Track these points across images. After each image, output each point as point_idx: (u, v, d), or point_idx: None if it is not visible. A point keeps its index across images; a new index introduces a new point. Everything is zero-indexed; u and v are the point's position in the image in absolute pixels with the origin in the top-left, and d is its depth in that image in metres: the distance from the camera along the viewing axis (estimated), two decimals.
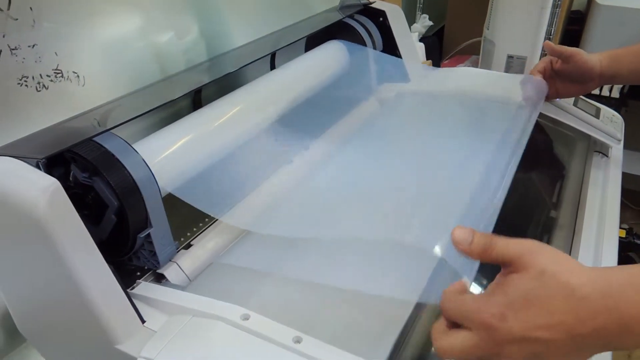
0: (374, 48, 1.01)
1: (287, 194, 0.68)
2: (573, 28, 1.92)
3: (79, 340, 0.52)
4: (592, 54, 0.80)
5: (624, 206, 2.15)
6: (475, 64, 1.80)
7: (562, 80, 0.83)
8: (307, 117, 0.90)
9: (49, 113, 0.56)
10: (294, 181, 0.74)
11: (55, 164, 0.54)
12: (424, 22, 1.63)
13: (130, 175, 0.52)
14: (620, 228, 1.82)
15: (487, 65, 1.68)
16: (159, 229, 0.56)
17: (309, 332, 0.45)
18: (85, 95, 0.61)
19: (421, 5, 1.77)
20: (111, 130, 0.57)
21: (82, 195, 0.54)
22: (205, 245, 0.61)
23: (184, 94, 0.72)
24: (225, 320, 0.47)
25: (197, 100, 0.80)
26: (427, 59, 1.60)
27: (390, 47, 1.07)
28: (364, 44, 0.99)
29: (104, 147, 0.52)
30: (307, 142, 0.84)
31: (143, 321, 0.50)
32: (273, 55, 0.96)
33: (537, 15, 1.52)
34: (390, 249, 0.54)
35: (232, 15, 0.88)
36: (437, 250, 0.46)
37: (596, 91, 1.83)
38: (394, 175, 0.69)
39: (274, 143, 0.80)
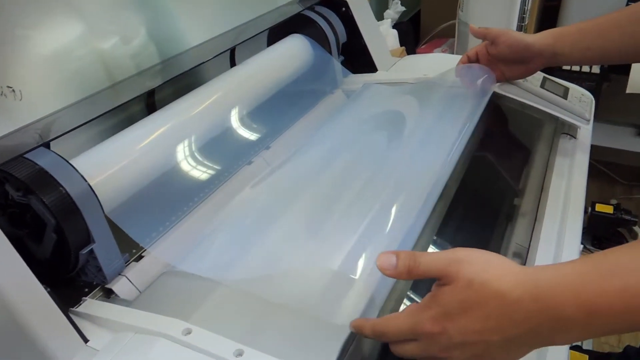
0: (336, 40, 0.99)
1: (240, 199, 0.66)
2: (551, 4, 1.90)
3: None
4: (532, 34, 0.78)
5: (612, 181, 2.16)
6: (451, 48, 1.77)
7: (503, 63, 0.81)
8: (270, 114, 0.88)
9: None
10: (249, 183, 0.72)
11: None
12: (396, 8, 1.60)
13: (66, 192, 0.51)
14: (608, 204, 1.81)
15: (463, 48, 1.65)
16: (103, 244, 0.54)
17: (253, 343, 0.44)
18: (24, 109, 0.59)
19: None
20: (52, 142, 0.55)
21: (20, 213, 0.53)
22: (161, 249, 0.59)
23: (133, 99, 0.71)
24: (167, 336, 0.46)
25: (150, 104, 0.78)
26: (401, 45, 1.58)
27: (354, 37, 1.05)
28: (325, 36, 0.97)
29: (38, 165, 0.51)
30: (268, 141, 0.83)
31: (86, 340, 0.49)
32: (232, 53, 0.94)
33: None
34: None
35: (186, 14, 0.85)
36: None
37: (576, 68, 1.82)
38: (348, 169, 0.68)
39: (231, 144, 0.78)
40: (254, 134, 0.83)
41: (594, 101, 0.96)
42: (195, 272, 0.53)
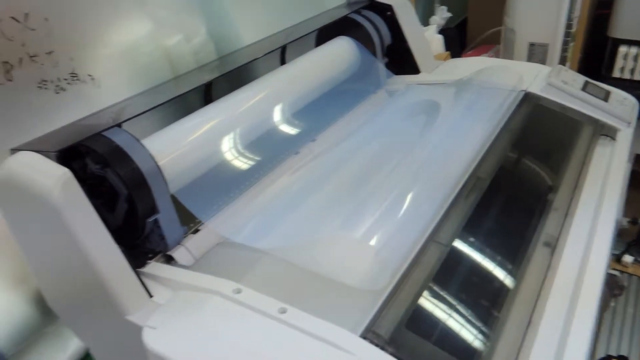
0: (381, 42, 1.04)
1: (285, 182, 0.72)
2: (602, 12, 1.88)
3: (96, 313, 0.58)
4: None
5: None
6: (497, 55, 1.79)
7: None
8: (316, 110, 0.94)
9: (67, 113, 0.62)
10: (296, 170, 0.78)
11: (74, 157, 0.60)
12: (442, 14, 1.64)
13: (138, 167, 0.58)
14: None
15: (509, 55, 1.67)
16: (166, 215, 0.61)
17: (295, 303, 0.49)
18: (101, 95, 0.67)
19: None
20: (123, 124, 0.62)
21: (98, 185, 0.60)
22: (211, 229, 0.66)
23: (193, 89, 0.78)
24: (220, 294, 0.52)
25: (208, 96, 0.85)
26: (447, 50, 1.61)
27: (399, 40, 1.09)
28: (370, 38, 1.03)
29: (114, 142, 0.58)
30: (314, 134, 0.88)
31: (151, 296, 0.55)
32: (283, 52, 1.01)
33: (557, 0, 1.51)
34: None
35: (242, 16, 0.93)
36: None
37: (627, 75, 1.79)
38: (385, 156, 0.73)
39: (280, 135, 0.84)
40: (302, 127, 0.89)
41: (637, 105, 0.97)
42: (246, 243, 0.59)
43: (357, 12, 1.05)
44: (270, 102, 0.84)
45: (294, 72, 0.92)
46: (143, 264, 0.60)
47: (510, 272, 0.61)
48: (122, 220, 0.61)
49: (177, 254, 0.62)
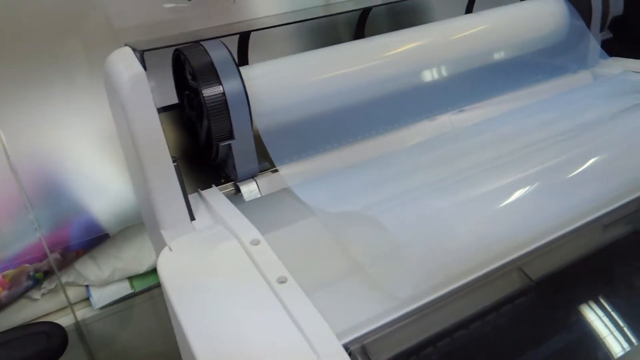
0: (604, 11, 0.81)
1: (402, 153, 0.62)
2: None
3: (152, 223, 0.59)
4: None
5: None
6: None
7: None
8: (483, 75, 0.78)
9: None
10: (420, 136, 0.66)
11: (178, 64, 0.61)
12: None
13: (222, 88, 0.55)
14: None
15: None
16: (241, 145, 0.58)
17: (301, 274, 0.42)
18: (236, 11, 0.66)
19: None
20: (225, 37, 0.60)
21: (193, 96, 0.60)
22: (289, 172, 0.61)
23: (341, 27, 0.71)
24: (240, 240, 0.47)
25: (359, 31, 0.77)
26: None
27: (637, 12, 0.83)
28: (588, 3, 0.80)
29: (209, 57, 0.56)
30: (465, 103, 0.74)
31: (193, 218, 0.54)
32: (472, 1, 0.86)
33: None
34: None
35: None
36: None
37: None
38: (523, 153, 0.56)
39: (419, 94, 0.72)
40: (453, 91, 0.75)
41: None
42: (302, 198, 0.53)
43: None
44: (428, 52, 0.72)
45: (477, 25, 0.77)
46: (209, 186, 0.59)
47: None
48: (205, 137, 0.59)
49: (245, 187, 0.59)
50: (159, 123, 0.52)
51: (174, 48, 0.59)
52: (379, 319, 0.40)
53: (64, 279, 0.76)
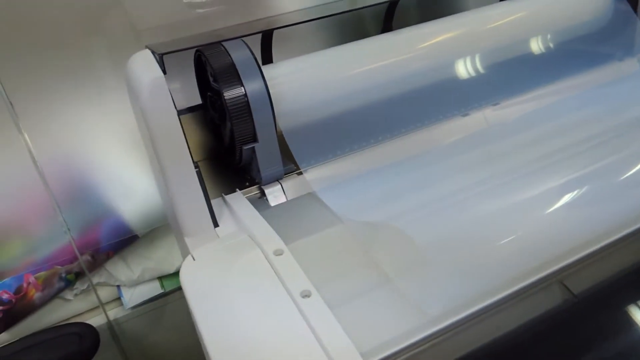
0: None
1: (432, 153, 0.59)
2: None
3: (177, 228, 0.58)
4: None
5: None
6: None
7: None
8: (519, 67, 0.74)
9: None
10: (452, 135, 0.63)
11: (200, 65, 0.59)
12: None
13: (244, 90, 0.53)
14: None
15: None
16: (265, 147, 0.56)
17: (325, 289, 0.40)
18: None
19: None
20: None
21: (215, 97, 0.58)
22: (315, 175, 0.59)
23: (369, 20, 0.68)
24: (263, 250, 0.45)
25: (387, 23, 0.74)
26: None
27: None
28: None
29: (230, 57, 0.54)
30: (500, 97, 0.70)
31: (216, 225, 0.52)
32: None
33: None
34: None
35: None
36: None
37: None
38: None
39: (452, 88, 0.69)
40: (487, 85, 0.71)
41: None
42: (329, 205, 0.51)
43: None
44: (460, 45, 0.69)
45: (511, 13, 0.72)
46: (233, 190, 0.58)
47: None
48: (228, 139, 0.58)
49: (269, 190, 0.58)
50: (180, 128, 0.51)
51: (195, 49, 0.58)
52: (407, 337, 0.37)
53: (95, 280, 0.76)
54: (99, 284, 0.77)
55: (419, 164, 0.59)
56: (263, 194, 0.58)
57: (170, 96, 0.50)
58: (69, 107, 0.65)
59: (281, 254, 0.44)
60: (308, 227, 0.50)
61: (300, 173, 0.59)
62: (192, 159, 0.51)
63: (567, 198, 0.45)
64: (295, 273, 0.42)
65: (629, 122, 0.65)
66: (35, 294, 0.71)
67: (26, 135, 0.64)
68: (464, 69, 0.70)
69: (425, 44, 0.66)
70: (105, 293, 0.78)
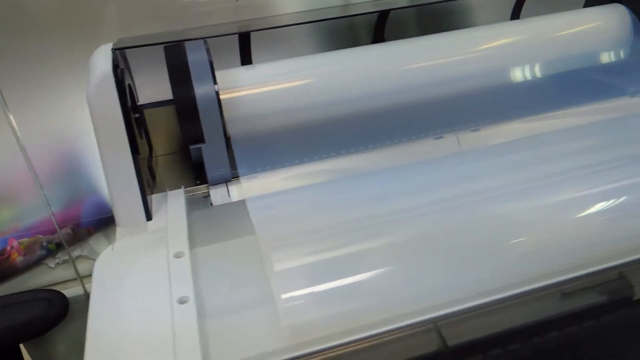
0: None
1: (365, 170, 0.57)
2: None
3: None
4: None
5: None
6: None
7: None
8: (516, 89, 0.70)
9: None
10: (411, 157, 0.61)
11: None
12: None
13: (193, 91, 0.54)
14: None
15: None
16: (212, 149, 0.57)
17: (205, 294, 0.41)
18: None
19: None
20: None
21: None
22: (265, 180, 0.59)
23: (360, 29, 0.67)
24: (167, 250, 0.47)
25: (378, 33, 0.72)
26: None
27: None
28: None
29: (185, 58, 0.56)
30: (484, 122, 0.66)
31: (149, 218, 0.54)
32: (519, 5, 0.77)
33: None
34: None
35: None
36: None
37: None
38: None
39: (429, 108, 0.66)
40: (475, 107, 0.68)
41: None
42: (251, 215, 0.51)
43: None
44: (454, 60, 0.66)
45: (520, 33, 0.69)
46: (179, 187, 0.59)
47: None
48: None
49: (214, 190, 0.58)
50: (122, 121, 0.52)
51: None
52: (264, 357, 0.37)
53: (77, 252, 0.81)
54: (80, 256, 0.82)
55: (368, 183, 0.58)
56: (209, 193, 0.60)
57: (115, 90, 0.52)
58: (54, 86, 0.69)
59: (180, 257, 0.45)
60: (225, 233, 0.51)
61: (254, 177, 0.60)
62: (133, 153, 0.53)
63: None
64: (182, 278, 0.43)
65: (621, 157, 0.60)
66: (17, 258, 0.77)
67: (11, 117, 0.68)
68: (452, 86, 0.67)
69: (402, 62, 0.64)
70: (86, 265, 0.83)
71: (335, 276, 0.41)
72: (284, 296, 0.39)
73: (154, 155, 0.69)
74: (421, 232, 0.46)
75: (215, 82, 0.55)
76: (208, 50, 0.57)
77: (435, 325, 0.40)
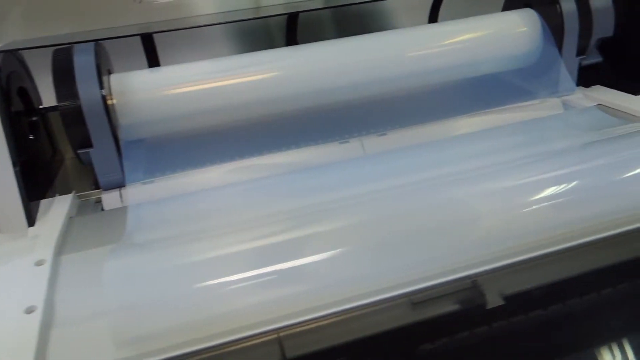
0: (586, 31, 0.69)
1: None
2: None
3: None
4: None
5: None
6: None
7: None
8: (427, 94, 0.70)
9: None
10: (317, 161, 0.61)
11: None
12: None
13: (76, 93, 0.54)
14: None
15: None
16: (101, 153, 0.56)
17: (63, 309, 0.40)
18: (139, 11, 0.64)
19: None
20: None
21: None
22: (161, 186, 0.58)
23: (272, 29, 0.67)
24: (32, 256, 0.46)
25: (290, 35, 0.72)
26: None
27: (634, 34, 0.70)
28: (561, 22, 0.68)
29: (71, 62, 0.55)
30: (391, 126, 0.66)
31: (32, 224, 0.53)
32: (437, 5, 0.77)
33: None
34: None
35: None
36: None
37: None
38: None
39: (336, 113, 0.66)
40: (382, 111, 0.68)
41: None
42: (129, 221, 0.51)
43: None
44: (365, 63, 0.65)
45: (436, 35, 0.68)
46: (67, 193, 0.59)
47: None
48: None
49: (105, 195, 0.58)
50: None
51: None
52: None
53: None
54: None
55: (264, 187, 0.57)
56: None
57: None
58: None
59: (41, 265, 0.45)
60: (100, 240, 0.50)
61: (151, 182, 0.59)
62: (14, 158, 0.52)
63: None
64: (37, 286, 0.42)
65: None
66: None
67: None
68: (359, 88, 0.67)
69: (306, 65, 0.64)
70: None
71: (173, 286, 0.40)
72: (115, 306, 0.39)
73: (59, 158, 0.69)
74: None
75: (101, 87, 0.55)
76: (97, 53, 0.56)
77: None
